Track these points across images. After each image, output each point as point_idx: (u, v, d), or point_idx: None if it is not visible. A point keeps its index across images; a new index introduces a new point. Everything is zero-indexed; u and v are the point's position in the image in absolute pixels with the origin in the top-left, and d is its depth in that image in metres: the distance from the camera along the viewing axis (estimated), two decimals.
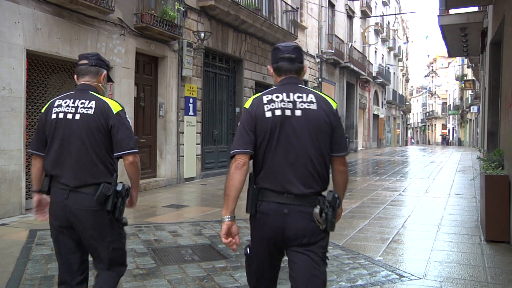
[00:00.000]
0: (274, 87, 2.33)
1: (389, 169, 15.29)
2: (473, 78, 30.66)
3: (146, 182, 9.48)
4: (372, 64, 30.90)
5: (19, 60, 6.55)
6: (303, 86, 2.28)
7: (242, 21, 12.55)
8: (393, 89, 40.05)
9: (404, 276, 4.12)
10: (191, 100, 10.89)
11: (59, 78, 7.71)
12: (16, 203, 6.54)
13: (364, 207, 7.72)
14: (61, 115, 2.53)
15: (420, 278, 4.07)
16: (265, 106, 2.22)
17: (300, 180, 2.17)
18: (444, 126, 65.41)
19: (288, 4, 15.62)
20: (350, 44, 24.59)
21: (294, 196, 2.17)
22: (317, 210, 2.15)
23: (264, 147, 2.20)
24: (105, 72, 2.75)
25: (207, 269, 4.24)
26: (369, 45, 30.09)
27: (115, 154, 2.57)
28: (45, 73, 7.42)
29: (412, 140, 62.22)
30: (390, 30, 37.89)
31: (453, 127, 59.38)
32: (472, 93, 36.06)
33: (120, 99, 8.56)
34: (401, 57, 44.57)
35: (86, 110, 2.51)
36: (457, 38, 11.42)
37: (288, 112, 2.19)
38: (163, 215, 6.88)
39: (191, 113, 10.90)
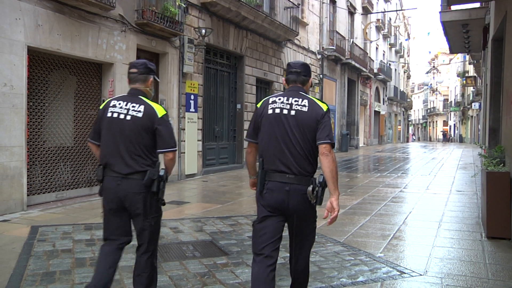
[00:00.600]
0: (281, 92, 2.98)
1: (390, 166, 15.29)
2: (475, 74, 30.60)
3: None
4: (373, 61, 30.84)
5: (20, 57, 6.55)
6: (302, 93, 2.89)
7: (243, 17, 12.52)
8: (394, 86, 39.99)
9: (405, 273, 4.12)
10: (192, 97, 10.89)
11: (60, 75, 7.71)
12: (18, 199, 6.56)
13: (365, 203, 7.72)
14: (115, 115, 2.99)
15: (421, 275, 4.08)
16: (269, 105, 2.88)
17: (295, 163, 2.76)
18: (445, 123, 65.34)
19: (289, 1, 15.57)
20: (351, 40, 24.54)
21: (291, 177, 2.75)
22: (310, 188, 2.73)
23: (266, 138, 2.84)
24: (152, 77, 3.16)
25: (208, 265, 4.25)
26: (371, 42, 30.02)
27: (158, 151, 3.03)
28: (46, 70, 7.42)
29: (413, 137, 62.17)
30: (392, 27, 37.80)
31: (454, 124, 59.32)
32: (473, 89, 35.99)
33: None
34: (402, 53, 44.49)
35: (136, 113, 2.97)
36: (459, 35, 11.39)
37: (285, 111, 2.82)
38: (164, 212, 6.84)
39: (192, 109, 10.90)
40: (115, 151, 2.98)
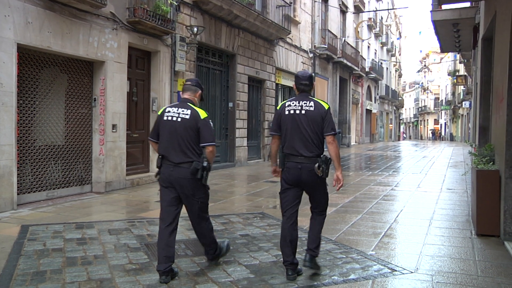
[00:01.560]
0: (294, 97, 3.99)
1: (381, 164, 15.37)
2: (465, 73, 30.83)
3: (138, 177, 9.46)
4: (365, 59, 30.95)
5: (10, 54, 6.48)
6: (310, 97, 3.93)
7: (235, 15, 12.50)
8: (386, 84, 40.17)
9: (396, 270, 4.15)
10: None
11: (51, 73, 7.64)
12: (8, 198, 6.50)
13: (356, 201, 7.76)
14: (169, 118, 3.88)
15: (412, 272, 4.11)
16: (286, 108, 3.93)
17: (306, 148, 3.80)
18: (436, 121, 65.79)
19: None
20: (343, 39, 24.61)
21: (303, 158, 3.79)
22: (316, 165, 3.75)
23: (285, 131, 3.89)
24: (200, 91, 4.11)
25: (200, 263, 4.25)
26: (362, 40, 30.12)
27: (201, 144, 3.85)
28: (37, 68, 7.35)
29: (404, 135, 62.51)
30: (383, 25, 37.95)
31: (445, 122, 59.75)
32: (464, 88, 36.28)
33: (113, 94, 8.52)
34: (394, 52, 44.69)
35: (185, 116, 3.85)
36: (450, 34, 11.46)
37: (297, 111, 3.86)
38: (156, 210, 6.85)
39: None
40: (169, 145, 3.84)
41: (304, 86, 3.97)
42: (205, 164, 3.79)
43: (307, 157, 3.78)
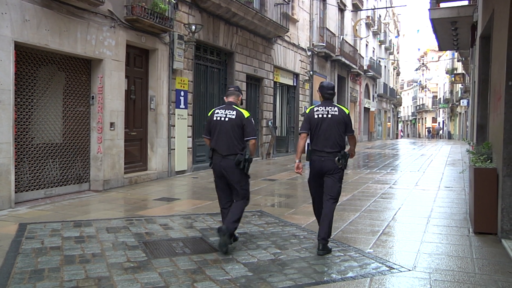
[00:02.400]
0: (320, 103, 4.84)
1: (379, 162, 15.39)
2: (463, 71, 30.88)
3: (136, 175, 9.45)
4: (363, 58, 30.96)
5: (7, 52, 6.46)
6: (333, 103, 4.82)
7: (233, 13, 12.49)
8: (384, 83, 40.19)
9: (394, 268, 4.16)
10: (182, 93, 10.84)
11: (48, 71, 7.62)
12: (5, 196, 6.49)
13: (355, 200, 7.77)
14: (218, 118, 4.75)
15: (409, 270, 4.12)
16: (315, 112, 4.77)
17: (330, 146, 4.65)
18: (434, 120, 65.86)
19: None
20: (341, 37, 24.60)
21: (326, 153, 4.64)
22: (336, 158, 4.62)
23: (314, 131, 4.74)
24: (241, 96, 4.98)
25: (198, 261, 4.25)
26: (360, 39, 30.12)
27: (245, 138, 4.71)
28: (34, 66, 7.33)
29: (402, 133, 62.58)
30: (381, 24, 37.95)
31: (443, 120, 59.81)
32: (462, 86, 36.32)
33: (111, 92, 8.50)
34: (392, 50, 44.70)
35: (231, 116, 4.70)
36: (448, 32, 11.48)
37: (324, 116, 4.71)
38: (154, 208, 6.87)
39: (182, 106, 10.86)
40: (219, 140, 4.70)
41: (328, 94, 4.85)
42: (247, 156, 4.65)
43: (329, 152, 4.64)
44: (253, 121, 4.80)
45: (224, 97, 4.96)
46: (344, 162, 4.64)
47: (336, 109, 4.72)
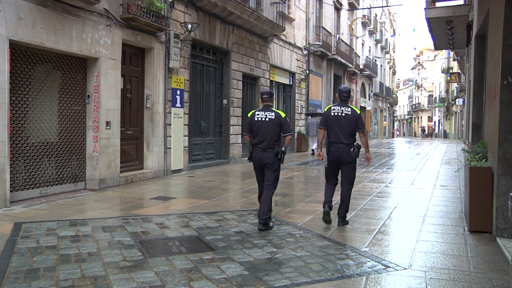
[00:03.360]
0: (337, 103, 5.80)
1: (375, 161, 15.42)
2: (459, 71, 30.96)
3: (133, 174, 9.43)
4: (359, 57, 30.99)
5: (2, 50, 6.42)
6: (348, 104, 5.74)
7: (230, 12, 12.47)
8: (380, 82, 40.25)
9: (389, 267, 4.17)
10: (178, 92, 10.83)
11: (44, 69, 7.59)
12: (0, 195, 6.46)
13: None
14: (259, 118, 5.67)
15: (405, 269, 4.13)
16: (331, 111, 5.72)
17: (345, 138, 5.60)
18: (430, 119, 66.06)
19: None
20: (337, 36, 24.61)
21: (343, 145, 5.60)
22: (351, 149, 5.58)
23: (331, 127, 5.68)
24: (273, 99, 6.01)
25: (194, 260, 4.24)
26: (356, 38, 30.15)
27: (283, 135, 5.68)
28: (30, 64, 7.29)
29: (397, 133, 62.74)
30: (377, 23, 37.99)
31: (438, 120, 60.00)
32: (457, 85, 36.45)
33: (107, 90, 8.48)
34: (388, 49, 44.76)
35: (271, 117, 5.65)
36: (443, 31, 11.51)
37: (339, 114, 5.66)
38: (150, 207, 6.85)
39: (178, 105, 10.84)
40: (260, 137, 5.64)
41: (344, 97, 5.80)
42: (283, 149, 5.62)
43: (345, 144, 5.63)
44: (288, 120, 5.95)
45: (259, 100, 5.87)
46: (357, 152, 5.63)
47: (349, 109, 5.69)
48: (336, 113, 5.68)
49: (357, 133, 5.76)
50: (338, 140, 5.62)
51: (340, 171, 5.82)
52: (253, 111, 5.80)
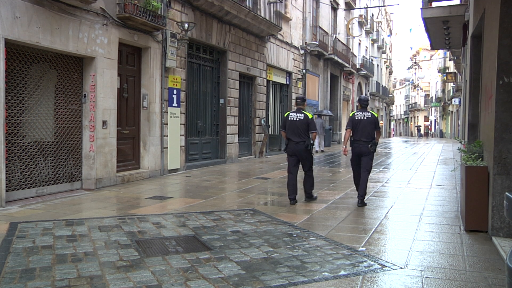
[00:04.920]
0: (359, 110, 7.42)
1: None
2: (455, 70, 31.06)
3: (129, 174, 9.42)
4: (356, 56, 31.04)
5: None
6: (367, 110, 7.38)
7: (226, 12, 12.46)
8: (376, 81, 40.33)
9: (386, 266, 4.18)
10: (175, 91, 10.81)
11: (40, 69, 7.56)
12: None
13: (347, 198, 7.80)
14: (293, 118, 7.22)
15: (401, 268, 4.14)
16: (355, 115, 7.32)
17: (365, 137, 7.18)
18: (426, 118, 66.22)
19: None
20: (334, 36, 24.65)
21: (363, 142, 7.18)
22: (369, 145, 7.16)
23: (354, 128, 7.27)
24: (305, 103, 7.67)
25: (191, 260, 4.24)
26: (353, 37, 30.19)
27: (309, 131, 7.16)
28: (25, 63, 7.27)
29: (394, 132, 62.87)
30: (374, 22, 38.05)
31: (435, 119, 60.15)
32: (453, 85, 36.52)
33: (103, 90, 8.46)
34: (384, 49, 44.84)
35: (301, 117, 7.18)
36: (440, 31, 11.55)
37: (361, 118, 7.25)
38: (146, 207, 6.85)
39: (175, 104, 10.83)
40: (293, 133, 7.17)
41: (364, 104, 7.38)
42: (311, 141, 7.15)
43: (365, 141, 7.11)
44: (314, 119, 7.41)
45: (294, 104, 7.19)
46: (374, 147, 7.14)
47: (369, 114, 7.23)
48: (359, 118, 7.18)
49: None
50: (360, 138, 7.12)
51: (361, 161, 7.26)
52: (288, 112, 7.48)
